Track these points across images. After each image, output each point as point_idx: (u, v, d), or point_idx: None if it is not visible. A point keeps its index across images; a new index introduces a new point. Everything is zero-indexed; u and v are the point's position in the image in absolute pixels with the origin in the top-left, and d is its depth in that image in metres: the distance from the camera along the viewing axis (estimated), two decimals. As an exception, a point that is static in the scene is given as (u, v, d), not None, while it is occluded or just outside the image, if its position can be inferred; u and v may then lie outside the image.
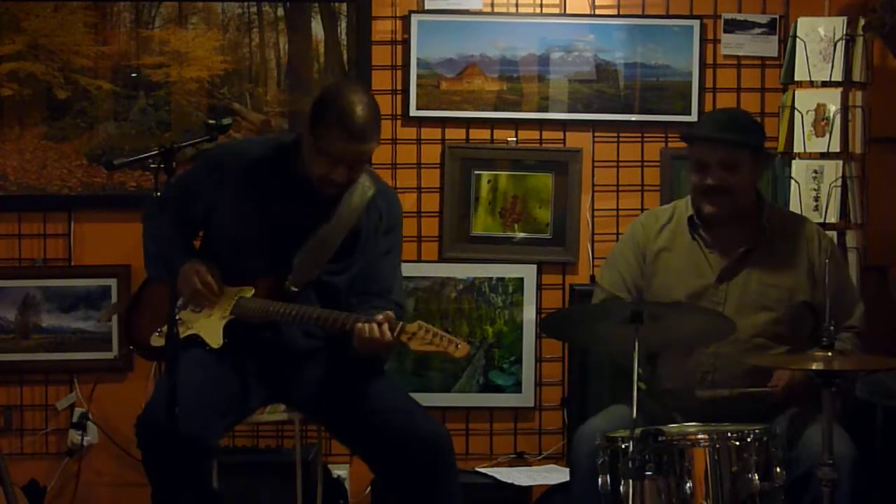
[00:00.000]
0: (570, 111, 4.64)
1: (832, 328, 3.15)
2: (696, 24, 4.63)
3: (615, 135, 4.67)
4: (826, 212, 4.29)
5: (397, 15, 4.61)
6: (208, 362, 3.41)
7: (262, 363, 3.51)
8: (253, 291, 3.47)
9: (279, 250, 3.46)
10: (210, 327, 3.43)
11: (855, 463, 3.31)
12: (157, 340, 3.50)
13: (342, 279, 3.50)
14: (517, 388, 4.67)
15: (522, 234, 4.67)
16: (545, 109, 4.64)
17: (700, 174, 3.58)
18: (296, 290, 3.44)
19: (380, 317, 3.27)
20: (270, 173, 3.49)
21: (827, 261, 3.37)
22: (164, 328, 3.19)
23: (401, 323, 3.25)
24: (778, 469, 3.18)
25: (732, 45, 4.65)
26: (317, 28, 4.62)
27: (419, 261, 4.65)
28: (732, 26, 4.64)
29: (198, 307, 3.48)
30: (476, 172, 4.64)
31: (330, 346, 3.52)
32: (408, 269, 4.59)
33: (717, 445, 3.14)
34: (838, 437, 3.23)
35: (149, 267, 3.64)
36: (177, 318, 3.33)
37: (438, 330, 3.22)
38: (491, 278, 4.66)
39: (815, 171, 4.33)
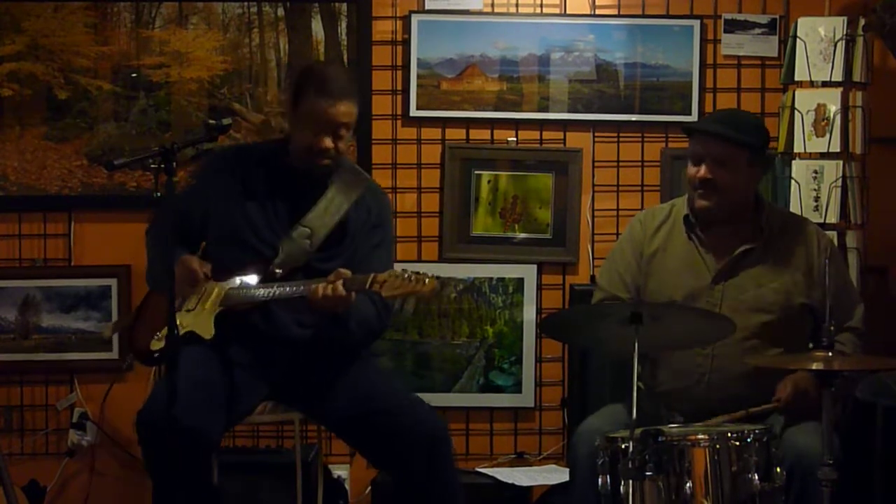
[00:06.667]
0: (570, 111, 4.64)
1: (832, 328, 3.15)
2: (696, 24, 4.63)
3: (615, 135, 4.67)
4: (826, 212, 4.29)
5: (397, 15, 4.61)
6: (207, 358, 3.46)
7: (259, 356, 3.56)
8: (241, 282, 3.55)
9: (269, 242, 3.58)
10: (202, 321, 3.48)
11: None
12: (156, 344, 3.54)
13: (331, 266, 3.53)
14: (517, 388, 4.67)
15: (523, 235, 4.66)
16: (545, 109, 4.64)
17: (694, 167, 3.59)
18: (280, 272, 3.52)
19: (331, 276, 3.38)
20: (260, 171, 3.65)
21: (826, 261, 3.37)
22: (164, 331, 3.27)
23: (371, 274, 3.34)
24: (778, 469, 3.17)
25: (733, 45, 4.65)
26: (317, 28, 4.62)
27: (419, 261, 4.64)
28: (732, 26, 4.64)
29: (194, 293, 3.55)
30: (476, 172, 4.64)
31: (323, 337, 3.56)
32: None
33: (717, 445, 3.13)
34: (815, 435, 3.23)
35: (151, 277, 3.74)
36: None
37: (406, 271, 3.30)
38: (491, 278, 4.66)
39: (815, 171, 4.32)
